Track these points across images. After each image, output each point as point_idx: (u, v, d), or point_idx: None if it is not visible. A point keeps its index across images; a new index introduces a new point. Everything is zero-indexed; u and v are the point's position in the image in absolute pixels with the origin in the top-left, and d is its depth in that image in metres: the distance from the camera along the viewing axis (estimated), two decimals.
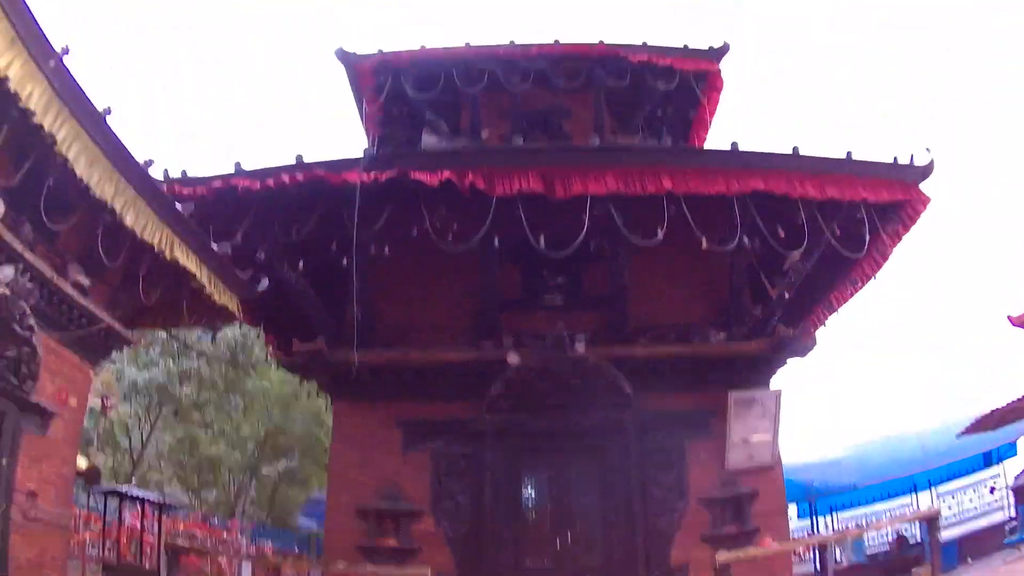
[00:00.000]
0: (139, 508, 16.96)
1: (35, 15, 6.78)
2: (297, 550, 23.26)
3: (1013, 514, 19.23)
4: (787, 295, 11.93)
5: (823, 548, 14.99)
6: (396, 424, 12.06)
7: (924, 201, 11.32)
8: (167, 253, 8.99)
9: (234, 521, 23.06)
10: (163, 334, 22.12)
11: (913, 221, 11.59)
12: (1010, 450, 21.56)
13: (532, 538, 12.05)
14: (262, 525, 25.98)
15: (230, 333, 23.23)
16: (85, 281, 8.91)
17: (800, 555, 19.53)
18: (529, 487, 12.22)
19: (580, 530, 11.91)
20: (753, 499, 11.80)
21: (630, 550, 11.46)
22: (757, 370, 12.30)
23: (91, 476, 16.29)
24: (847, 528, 20.89)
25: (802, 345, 12.24)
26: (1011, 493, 20.32)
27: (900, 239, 11.83)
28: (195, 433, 25.20)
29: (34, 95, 6.84)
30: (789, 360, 12.71)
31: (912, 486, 22.25)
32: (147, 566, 15.65)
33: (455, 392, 11.95)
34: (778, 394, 12.20)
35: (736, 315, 12.34)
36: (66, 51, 7.13)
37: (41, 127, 6.99)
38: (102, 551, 15.70)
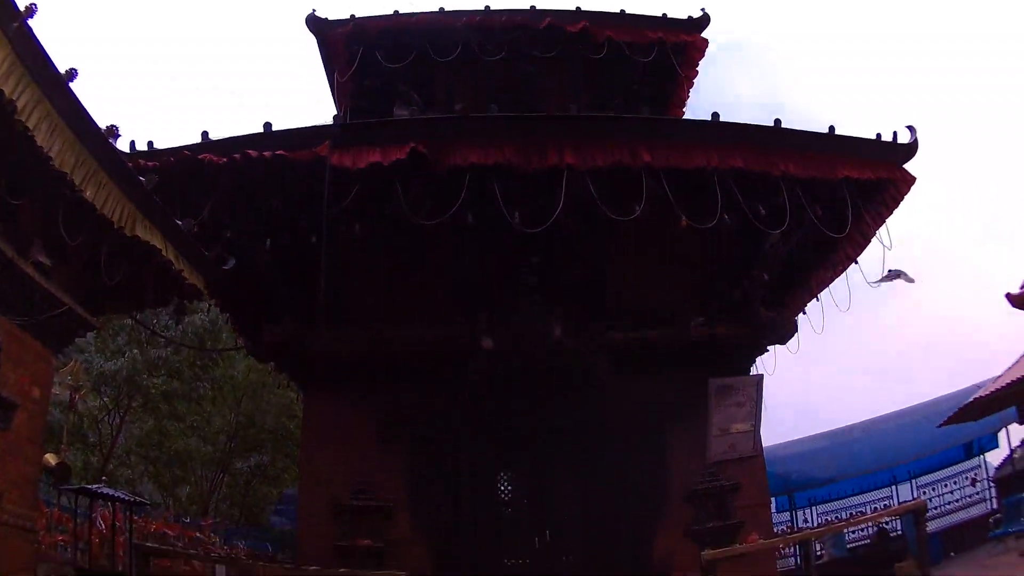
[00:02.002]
0: (110, 507, 16.42)
1: None
2: (270, 549, 22.82)
3: (995, 506, 19.12)
4: (767, 278, 11.62)
5: (806, 543, 14.76)
6: (369, 414, 11.66)
7: (909, 181, 10.98)
8: (128, 230, 8.49)
9: (207, 520, 22.52)
10: (130, 322, 21.64)
11: (897, 202, 11.24)
12: (991, 442, 21.49)
13: (511, 536, 11.76)
14: (235, 524, 25.47)
15: (198, 320, 22.78)
16: (47, 261, 8.36)
17: (780, 550, 19.28)
18: (507, 479, 11.85)
19: (560, 526, 11.61)
20: (736, 491, 11.54)
21: (612, 547, 11.17)
22: (737, 356, 12.08)
23: (61, 474, 15.73)
24: (828, 522, 20.73)
25: (783, 330, 11.99)
26: (993, 485, 20.24)
27: (883, 220, 11.47)
28: (165, 425, 24.67)
29: None
30: (769, 346, 12.50)
31: (892, 478, 22.14)
32: (120, 569, 15.10)
33: (430, 379, 11.52)
34: (759, 379, 11.93)
35: (716, 299, 12.05)
36: (32, 11, 6.59)
37: (1, 93, 6.44)
38: (74, 554, 15.15)
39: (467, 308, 11.70)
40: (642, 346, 11.53)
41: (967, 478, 22.53)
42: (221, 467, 25.55)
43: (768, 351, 12.54)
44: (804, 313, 12.82)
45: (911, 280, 11.86)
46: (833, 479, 21.36)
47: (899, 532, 20.53)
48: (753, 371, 12.25)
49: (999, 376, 16.32)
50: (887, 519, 21.26)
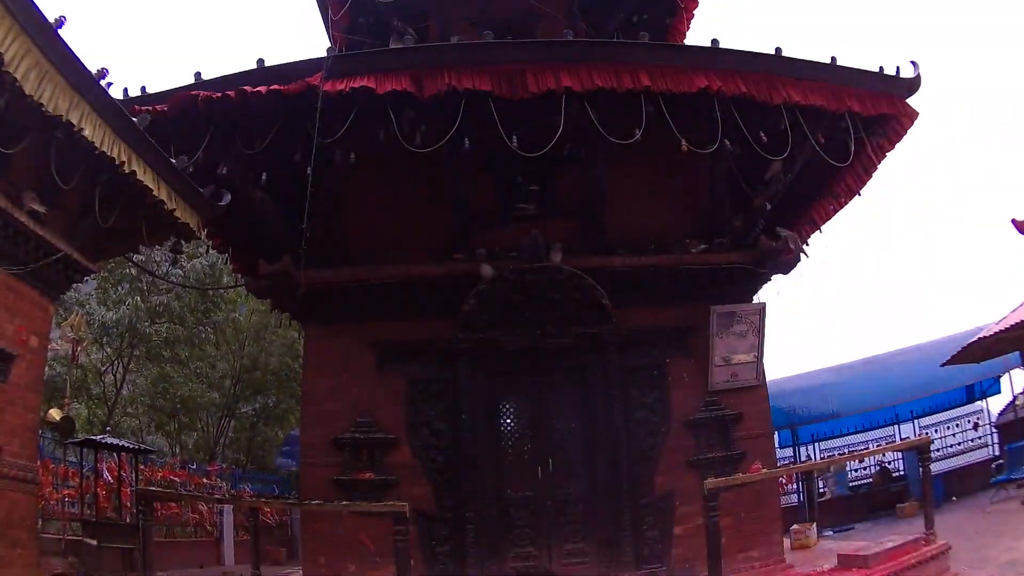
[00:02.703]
0: (116, 458, 16.53)
1: None
2: (277, 491, 23.09)
3: (997, 452, 19.19)
4: (769, 206, 11.53)
5: (809, 477, 14.82)
6: (369, 346, 11.55)
7: (911, 115, 10.91)
8: (126, 166, 8.43)
9: (213, 465, 22.77)
10: (131, 271, 21.62)
11: (899, 136, 11.19)
12: (993, 386, 21.52)
13: (512, 466, 11.64)
14: (241, 468, 25.73)
15: (198, 264, 22.77)
16: (41, 208, 8.34)
17: (783, 487, 19.44)
18: (508, 410, 11.79)
19: (561, 456, 11.52)
20: (738, 421, 11.55)
21: (614, 476, 11.15)
22: (739, 285, 11.92)
23: (65, 428, 15.81)
24: (831, 458, 20.89)
25: (785, 259, 11.86)
26: (995, 431, 20.32)
27: (886, 154, 11.45)
28: (168, 372, 24.73)
29: None
30: (772, 276, 12.41)
31: (894, 416, 22.20)
32: (127, 519, 15.24)
33: (429, 310, 11.46)
34: (762, 307, 11.85)
35: (717, 226, 11.93)
36: None
37: None
38: (81, 507, 15.30)
39: (465, 237, 11.65)
40: (642, 273, 11.46)
41: (969, 422, 22.64)
42: (227, 412, 25.69)
43: (771, 280, 12.48)
44: (807, 244, 12.76)
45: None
46: (836, 415, 21.36)
47: (901, 472, 20.70)
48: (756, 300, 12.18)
49: (1002, 318, 16.28)
50: (890, 458, 21.46)
